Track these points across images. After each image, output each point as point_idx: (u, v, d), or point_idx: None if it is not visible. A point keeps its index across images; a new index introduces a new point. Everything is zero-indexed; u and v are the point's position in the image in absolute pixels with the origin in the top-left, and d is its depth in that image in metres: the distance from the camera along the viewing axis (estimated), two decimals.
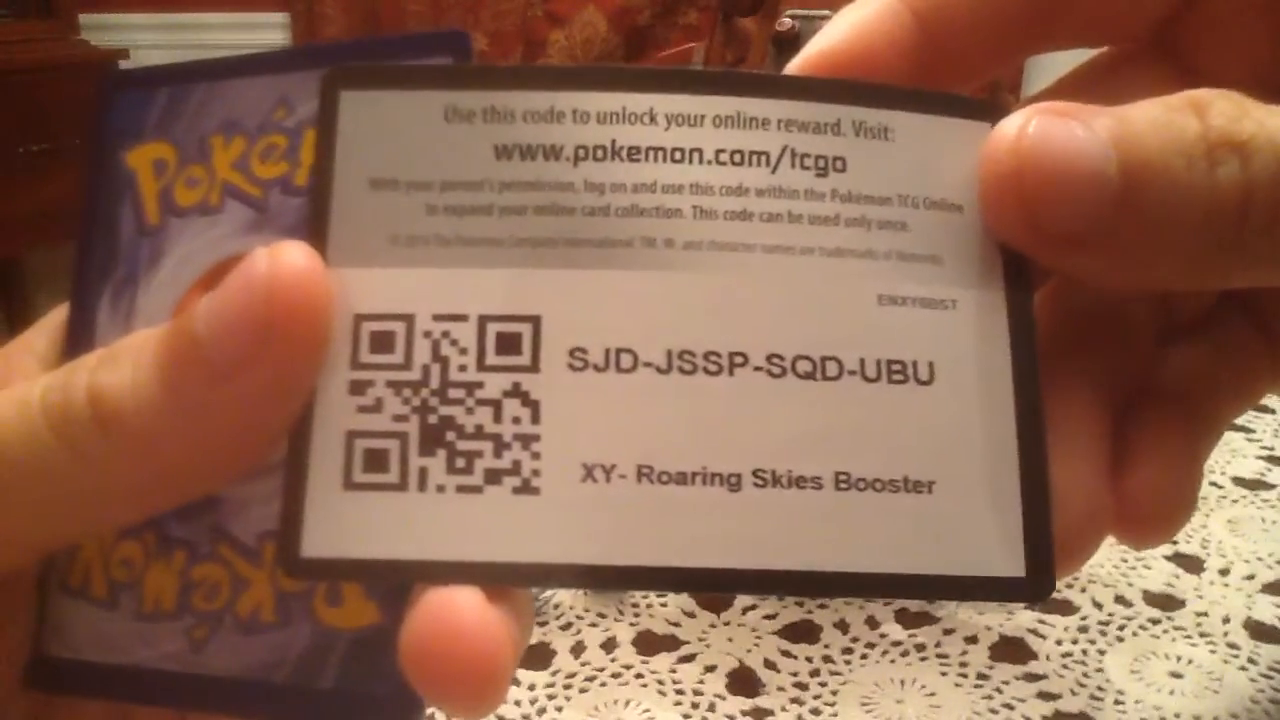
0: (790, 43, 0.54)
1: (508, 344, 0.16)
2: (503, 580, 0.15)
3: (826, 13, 0.54)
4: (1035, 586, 0.16)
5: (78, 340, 0.17)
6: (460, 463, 0.15)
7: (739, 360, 0.16)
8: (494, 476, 0.15)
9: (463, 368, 0.15)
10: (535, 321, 0.16)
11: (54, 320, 0.18)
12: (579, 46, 2.35)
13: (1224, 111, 0.15)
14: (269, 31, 2.39)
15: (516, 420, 0.15)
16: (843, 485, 0.16)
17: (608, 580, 0.16)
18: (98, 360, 0.15)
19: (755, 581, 0.15)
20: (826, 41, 0.19)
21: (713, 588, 0.15)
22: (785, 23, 0.54)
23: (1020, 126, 0.16)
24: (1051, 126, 0.15)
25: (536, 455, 0.15)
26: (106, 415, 0.15)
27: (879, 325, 0.16)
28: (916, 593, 0.16)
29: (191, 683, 0.16)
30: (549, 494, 0.15)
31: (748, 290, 0.16)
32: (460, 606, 0.14)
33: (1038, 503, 0.16)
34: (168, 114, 0.17)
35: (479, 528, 0.15)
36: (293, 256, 0.15)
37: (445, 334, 0.16)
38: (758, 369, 0.16)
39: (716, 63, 2.27)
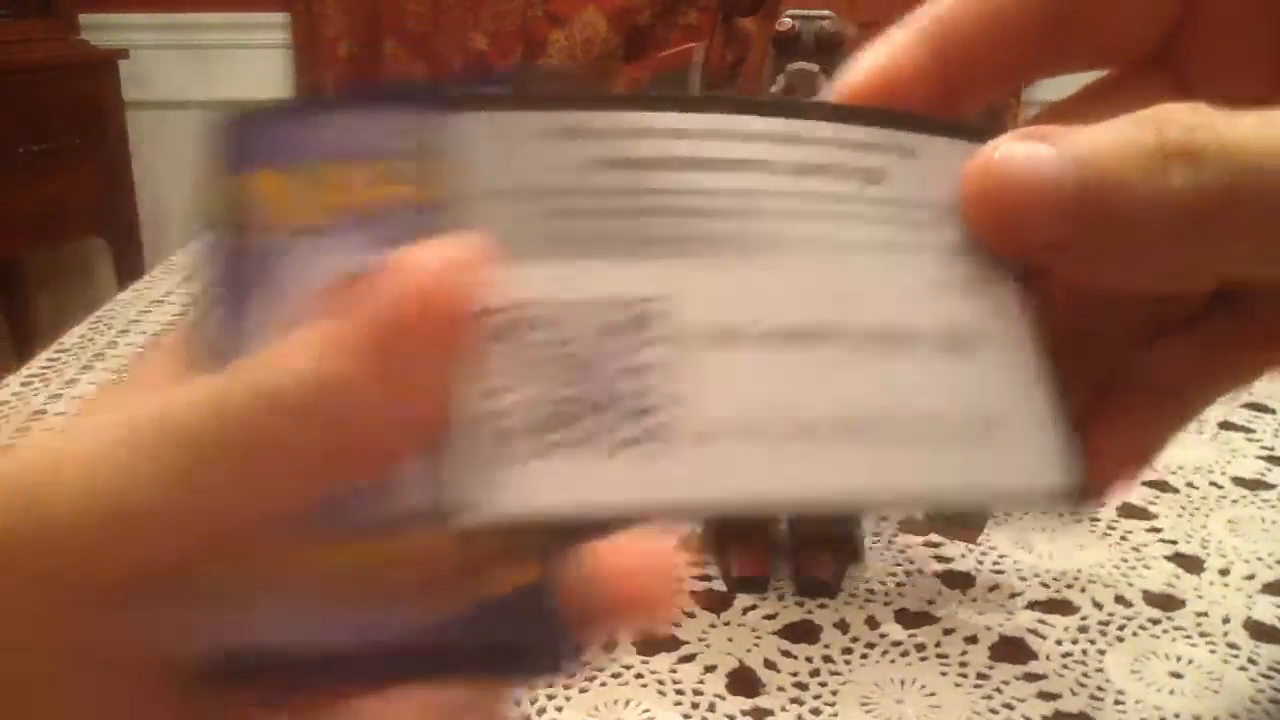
0: (790, 43, 0.54)
1: (635, 323, 0.18)
2: (662, 518, 0.18)
3: (827, 13, 0.54)
4: (1074, 496, 0.19)
5: (215, 345, 0.18)
6: (610, 422, 0.17)
7: (827, 333, 0.19)
8: (636, 437, 0.17)
9: (602, 344, 0.17)
10: (655, 301, 0.18)
11: (164, 344, 0.19)
12: (579, 46, 2.35)
13: (1182, 122, 0.16)
14: (269, 31, 2.39)
15: (650, 389, 0.17)
16: (921, 425, 0.19)
17: (734, 510, 0.20)
18: (277, 352, 0.16)
19: (850, 502, 0.19)
20: (860, 74, 0.21)
21: (815, 509, 0.20)
22: (785, 23, 0.54)
23: (991, 148, 0.18)
24: (1016, 147, 0.17)
25: (671, 417, 0.17)
26: (295, 400, 0.16)
27: (934, 305, 0.19)
28: (982, 499, 0.20)
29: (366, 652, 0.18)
30: (683, 447, 0.17)
31: (826, 276, 0.19)
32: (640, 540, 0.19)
33: (1068, 433, 0.19)
34: (278, 144, 0.18)
35: (631, 479, 0.17)
36: (452, 248, 0.16)
37: (584, 316, 0.17)
38: (842, 341, 0.19)
39: (716, 63, 2.27)
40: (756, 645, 0.48)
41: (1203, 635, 0.53)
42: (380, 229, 0.18)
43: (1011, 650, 0.49)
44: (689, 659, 0.47)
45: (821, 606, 0.51)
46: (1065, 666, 0.48)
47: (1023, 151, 0.17)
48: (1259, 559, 0.61)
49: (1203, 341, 0.21)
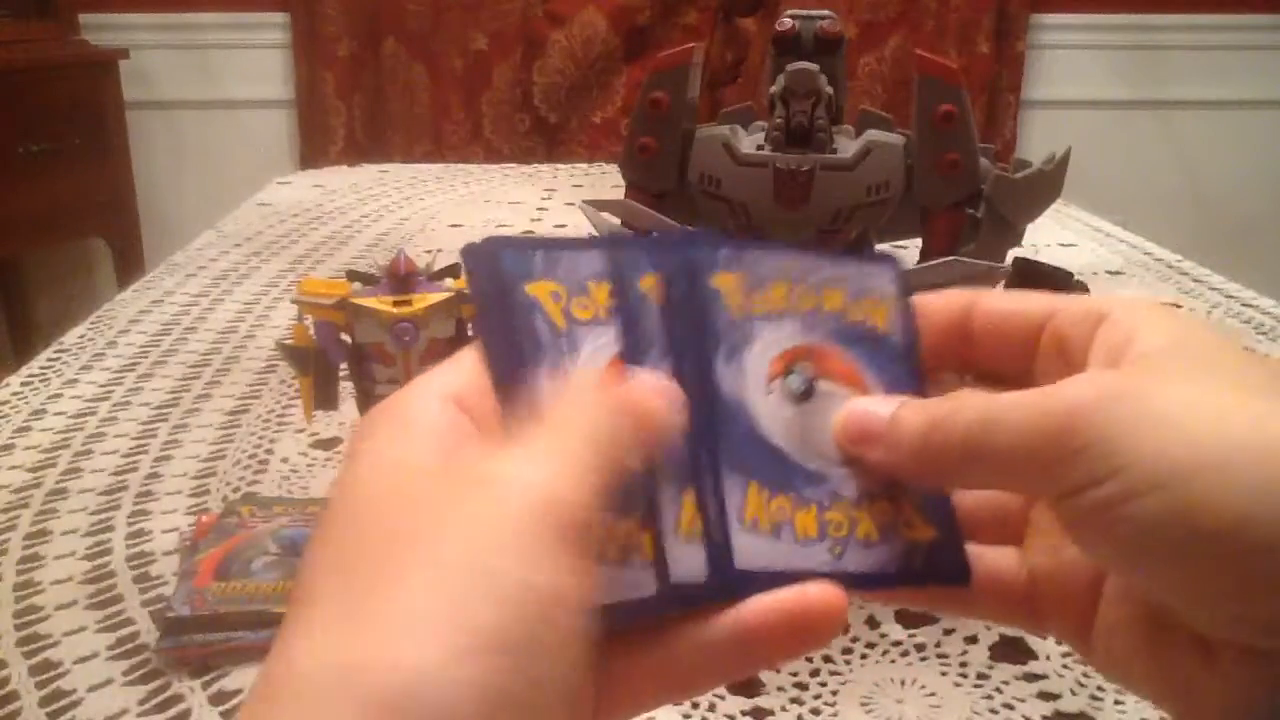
0: (790, 43, 0.54)
1: None
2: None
3: (827, 13, 0.54)
4: None
5: (520, 405, 0.24)
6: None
7: None
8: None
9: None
10: None
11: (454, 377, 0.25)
12: (579, 47, 2.35)
13: (954, 404, 0.25)
14: (269, 31, 2.39)
15: None
16: None
17: None
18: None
19: None
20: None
21: None
22: (785, 23, 0.54)
23: (853, 403, 0.28)
24: (867, 403, 0.27)
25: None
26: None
27: None
28: None
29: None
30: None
31: None
32: None
33: None
34: (547, 266, 0.25)
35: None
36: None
37: None
38: None
39: (716, 63, 2.27)
40: None
41: None
42: (615, 327, 0.26)
43: (1011, 650, 0.49)
44: None
45: None
46: (1065, 666, 0.48)
47: (865, 406, 0.27)
48: None
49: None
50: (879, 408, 0.26)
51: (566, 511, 0.21)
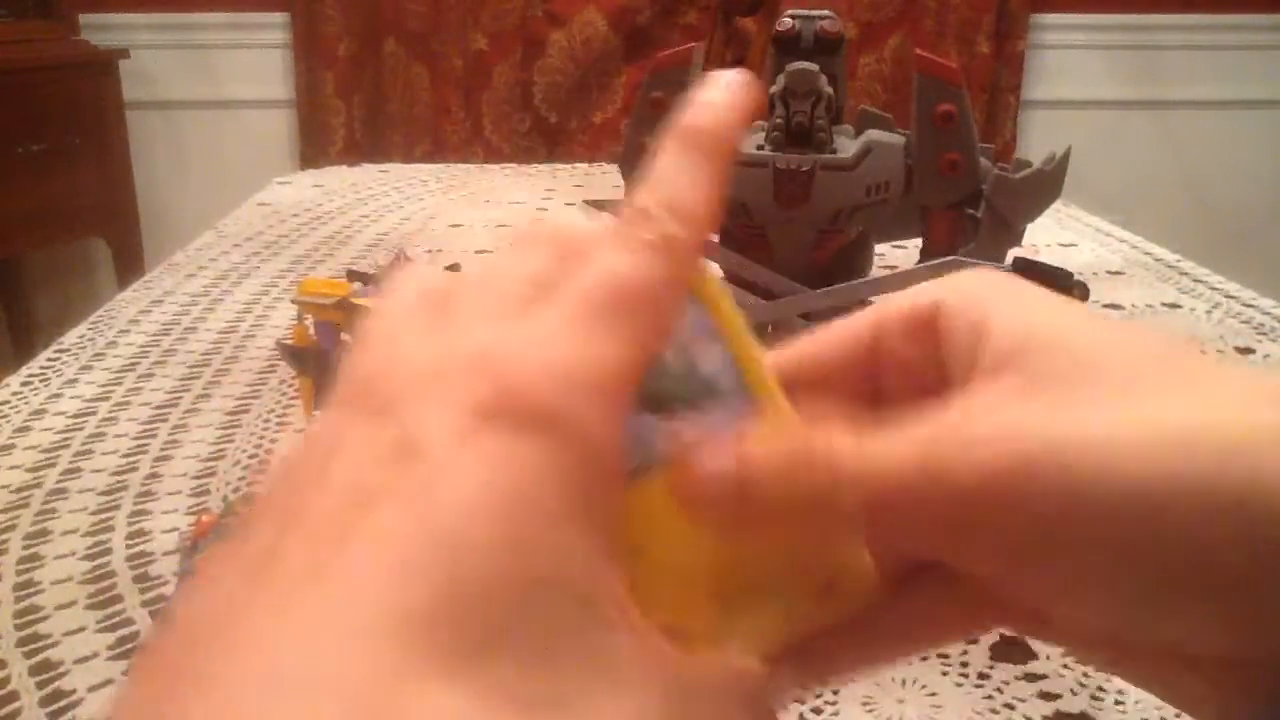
0: (790, 42, 0.54)
1: None
2: None
3: (827, 13, 0.54)
4: None
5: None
6: None
7: None
8: None
9: None
10: None
11: None
12: (579, 47, 2.35)
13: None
14: (269, 31, 2.39)
15: None
16: None
17: None
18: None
19: None
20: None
21: None
22: (785, 22, 0.54)
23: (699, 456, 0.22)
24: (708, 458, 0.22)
25: None
26: None
27: None
28: None
29: None
30: None
31: None
32: None
33: None
34: None
35: None
36: None
37: None
38: None
39: (716, 63, 2.27)
40: None
41: None
42: None
43: (1011, 650, 0.49)
44: None
45: None
46: (1065, 666, 0.48)
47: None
48: None
49: (912, 607, 0.24)
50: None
51: None
